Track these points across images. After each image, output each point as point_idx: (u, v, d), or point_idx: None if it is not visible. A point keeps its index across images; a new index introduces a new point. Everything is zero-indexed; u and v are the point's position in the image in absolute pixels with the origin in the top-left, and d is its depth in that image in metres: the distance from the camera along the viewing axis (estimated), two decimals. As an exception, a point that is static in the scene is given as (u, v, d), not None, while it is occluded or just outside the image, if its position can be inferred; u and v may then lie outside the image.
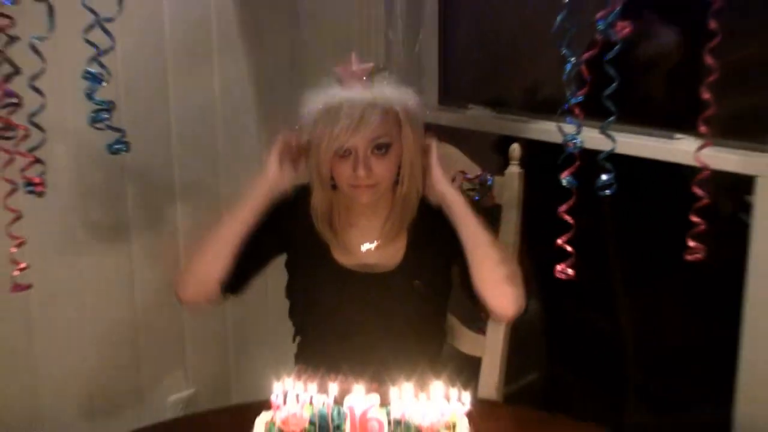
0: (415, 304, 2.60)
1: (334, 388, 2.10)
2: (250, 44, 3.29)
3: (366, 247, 2.62)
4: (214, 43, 3.19)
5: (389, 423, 2.04)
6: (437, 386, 2.09)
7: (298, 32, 3.40)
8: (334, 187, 2.56)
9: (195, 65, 3.16)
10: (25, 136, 1.97)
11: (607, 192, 1.79)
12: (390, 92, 2.46)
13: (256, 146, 3.39)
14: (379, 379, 2.28)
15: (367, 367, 2.45)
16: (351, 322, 2.59)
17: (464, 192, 2.83)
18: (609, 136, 1.74)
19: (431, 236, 2.61)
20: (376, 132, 2.43)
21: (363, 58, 2.51)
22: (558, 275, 1.89)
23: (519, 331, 2.88)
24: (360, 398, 2.03)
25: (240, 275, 2.61)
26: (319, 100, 2.46)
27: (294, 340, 2.75)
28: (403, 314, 2.59)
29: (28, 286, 2.18)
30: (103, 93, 1.98)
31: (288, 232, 2.64)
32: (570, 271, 1.87)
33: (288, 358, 2.71)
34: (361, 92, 2.43)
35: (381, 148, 2.45)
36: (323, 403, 2.07)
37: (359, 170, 2.43)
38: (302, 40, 3.40)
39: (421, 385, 2.09)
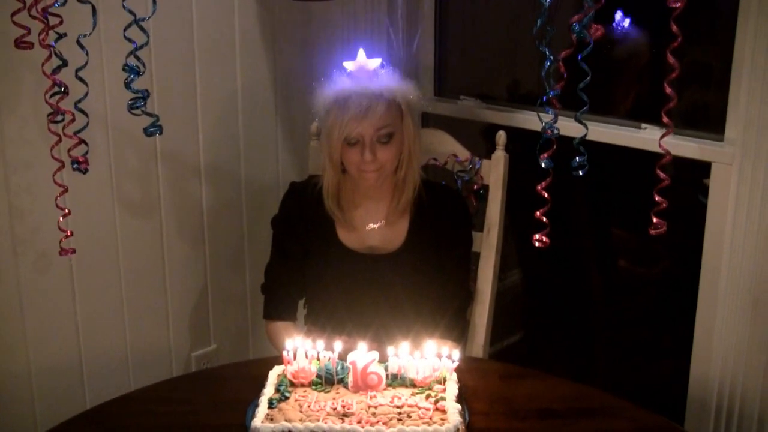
0: (415, 284, 2.58)
1: (338, 345, 2.12)
2: (268, 42, 3.30)
3: (371, 226, 2.63)
4: (237, 41, 3.19)
5: (387, 377, 2.07)
6: (430, 345, 2.11)
7: (310, 31, 3.41)
8: (343, 171, 2.57)
9: (219, 60, 3.16)
10: (72, 121, 1.99)
11: (581, 173, 1.81)
12: (394, 85, 2.47)
13: (273, 132, 3.40)
14: (378, 339, 2.30)
15: (369, 328, 2.47)
16: (356, 297, 2.59)
17: (455, 173, 2.85)
18: (582, 123, 1.76)
19: (432, 220, 2.61)
20: (381, 121, 2.43)
21: (370, 54, 2.52)
22: (535, 243, 1.91)
23: (503, 298, 2.90)
24: (361, 355, 2.06)
25: (294, 292, 2.71)
26: (330, 92, 2.47)
27: (304, 306, 2.76)
28: (403, 292, 2.57)
29: (72, 251, 2.21)
30: (139, 84, 2.00)
31: (307, 223, 2.65)
32: (545, 240, 1.89)
33: (299, 318, 2.73)
34: (368, 85, 2.44)
35: (385, 137, 2.45)
36: (329, 359, 2.09)
37: (366, 155, 2.43)
38: (314, 38, 3.41)
39: (416, 344, 2.12)
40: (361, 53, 2.51)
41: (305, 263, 2.66)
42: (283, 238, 2.69)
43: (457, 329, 2.60)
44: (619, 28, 2.98)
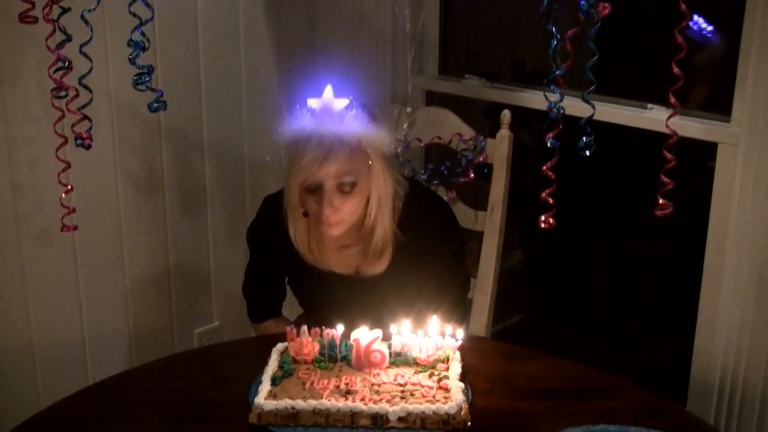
0: (409, 296, 2.41)
1: (341, 327, 2.12)
2: (272, 17, 3.29)
3: (350, 251, 2.45)
4: (240, 16, 3.19)
5: (390, 355, 2.07)
6: (433, 324, 2.11)
7: (314, 7, 3.40)
8: (306, 213, 2.37)
9: (223, 35, 3.16)
10: (75, 96, 1.99)
11: (587, 153, 1.81)
12: (360, 130, 2.23)
13: (276, 108, 3.39)
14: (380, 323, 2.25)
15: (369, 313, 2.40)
16: (347, 313, 2.30)
17: (459, 152, 2.84)
18: (589, 103, 1.75)
19: (418, 236, 2.42)
20: (341, 169, 2.20)
21: (338, 92, 2.27)
22: (541, 225, 1.91)
23: (506, 277, 2.90)
24: (365, 333, 2.06)
25: (277, 297, 2.64)
26: (290, 129, 2.24)
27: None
28: (397, 305, 2.34)
29: (75, 228, 2.21)
30: (142, 59, 1.99)
31: (284, 248, 2.44)
32: (552, 221, 1.89)
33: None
34: (331, 127, 2.20)
35: (346, 186, 2.23)
36: (332, 336, 2.09)
37: (324, 208, 2.22)
38: (317, 14, 3.40)
39: (419, 325, 2.11)
40: (328, 90, 2.25)
41: (288, 278, 2.59)
42: (260, 257, 2.58)
43: (458, 312, 2.56)
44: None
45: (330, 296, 2.47)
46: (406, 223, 2.40)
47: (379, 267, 2.45)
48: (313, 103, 2.24)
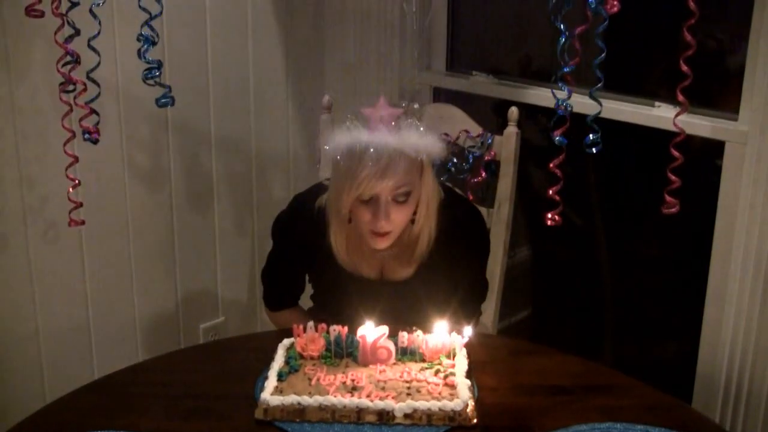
0: (430, 304, 2.32)
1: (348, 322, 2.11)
2: (280, 12, 3.29)
3: (381, 255, 2.39)
4: (249, 11, 3.19)
5: (397, 351, 2.07)
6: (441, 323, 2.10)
7: (322, 3, 3.40)
8: (349, 219, 2.31)
9: (231, 30, 3.16)
10: (83, 90, 1.99)
11: (594, 150, 1.81)
12: (417, 140, 2.16)
13: (283, 103, 3.40)
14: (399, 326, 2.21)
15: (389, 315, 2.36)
16: (365, 314, 2.21)
17: (467, 148, 2.84)
18: (596, 100, 1.75)
19: (451, 245, 2.38)
20: (400, 181, 2.15)
21: (392, 103, 2.21)
22: (548, 222, 1.91)
23: (512, 274, 2.90)
24: (371, 329, 2.06)
25: (296, 289, 2.59)
26: (343, 140, 2.16)
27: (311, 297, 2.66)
28: (417, 312, 2.30)
29: (82, 222, 2.22)
30: (151, 54, 2.00)
31: (311, 249, 2.42)
32: (558, 218, 1.89)
33: (307, 290, 2.72)
34: (388, 139, 2.13)
35: (402, 196, 2.18)
36: (338, 332, 2.09)
37: (380, 219, 2.18)
38: (325, 10, 3.40)
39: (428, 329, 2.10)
40: (383, 100, 2.19)
41: (310, 275, 2.56)
42: (286, 250, 2.53)
43: (474, 318, 2.54)
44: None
45: (352, 297, 2.40)
46: (441, 230, 2.35)
47: (406, 272, 2.42)
48: (367, 113, 2.17)
